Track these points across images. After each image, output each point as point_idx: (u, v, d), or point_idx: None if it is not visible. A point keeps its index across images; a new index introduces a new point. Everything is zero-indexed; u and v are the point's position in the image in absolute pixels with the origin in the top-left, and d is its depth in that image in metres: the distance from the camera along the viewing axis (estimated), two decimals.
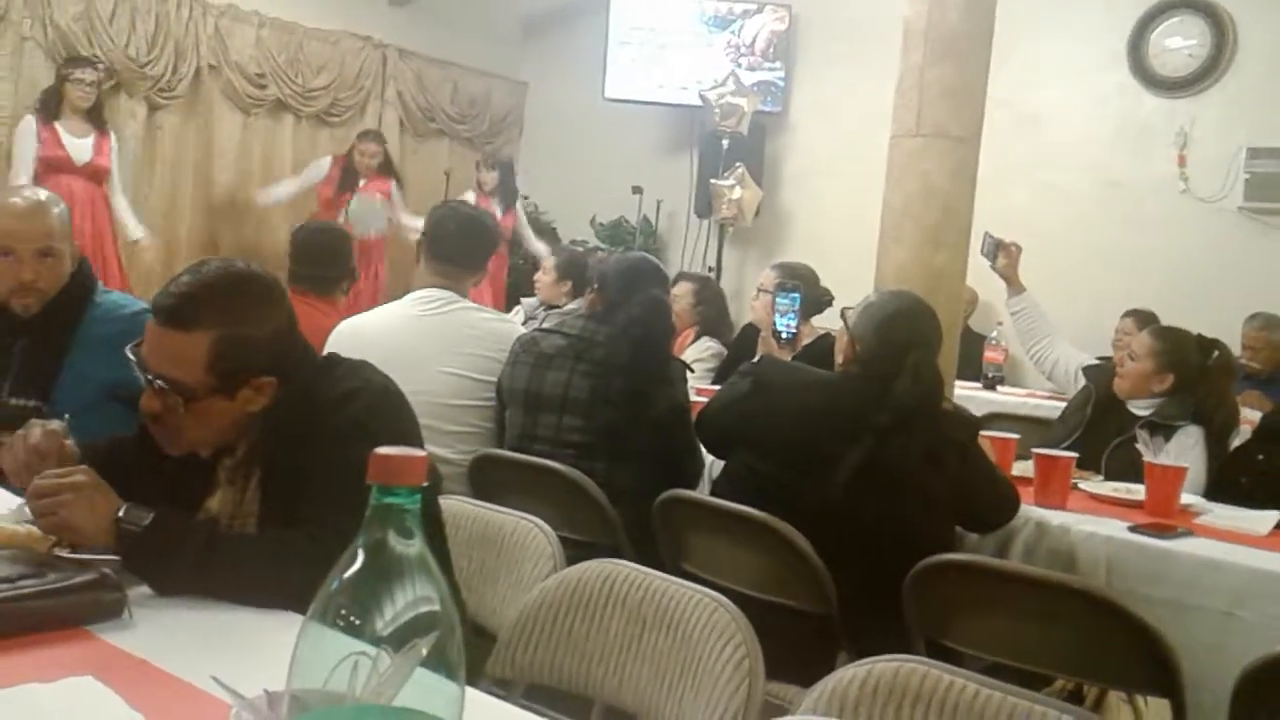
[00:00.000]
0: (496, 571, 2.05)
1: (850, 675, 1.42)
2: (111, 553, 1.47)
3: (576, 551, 2.02)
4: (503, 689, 1.69)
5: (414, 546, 0.72)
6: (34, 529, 1.52)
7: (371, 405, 1.65)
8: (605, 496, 2.67)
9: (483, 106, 8.64)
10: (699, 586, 1.65)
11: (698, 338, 4.79)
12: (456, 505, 2.16)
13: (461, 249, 3.07)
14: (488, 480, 2.81)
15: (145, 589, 1.47)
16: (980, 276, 4.52)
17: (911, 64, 3.52)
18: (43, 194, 2.42)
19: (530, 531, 2.03)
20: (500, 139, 8.72)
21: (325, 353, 1.84)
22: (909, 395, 2.36)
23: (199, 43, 6.94)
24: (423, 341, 2.93)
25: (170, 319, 1.59)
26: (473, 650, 1.81)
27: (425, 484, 0.73)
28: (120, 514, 1.48)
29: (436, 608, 0.77)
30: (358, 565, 0.72)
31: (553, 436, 2.83)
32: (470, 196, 7.03)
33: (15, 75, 6.18)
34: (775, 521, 2.30)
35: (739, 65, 7.68)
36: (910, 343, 2.45)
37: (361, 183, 6.79)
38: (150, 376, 1.59)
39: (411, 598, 0.74)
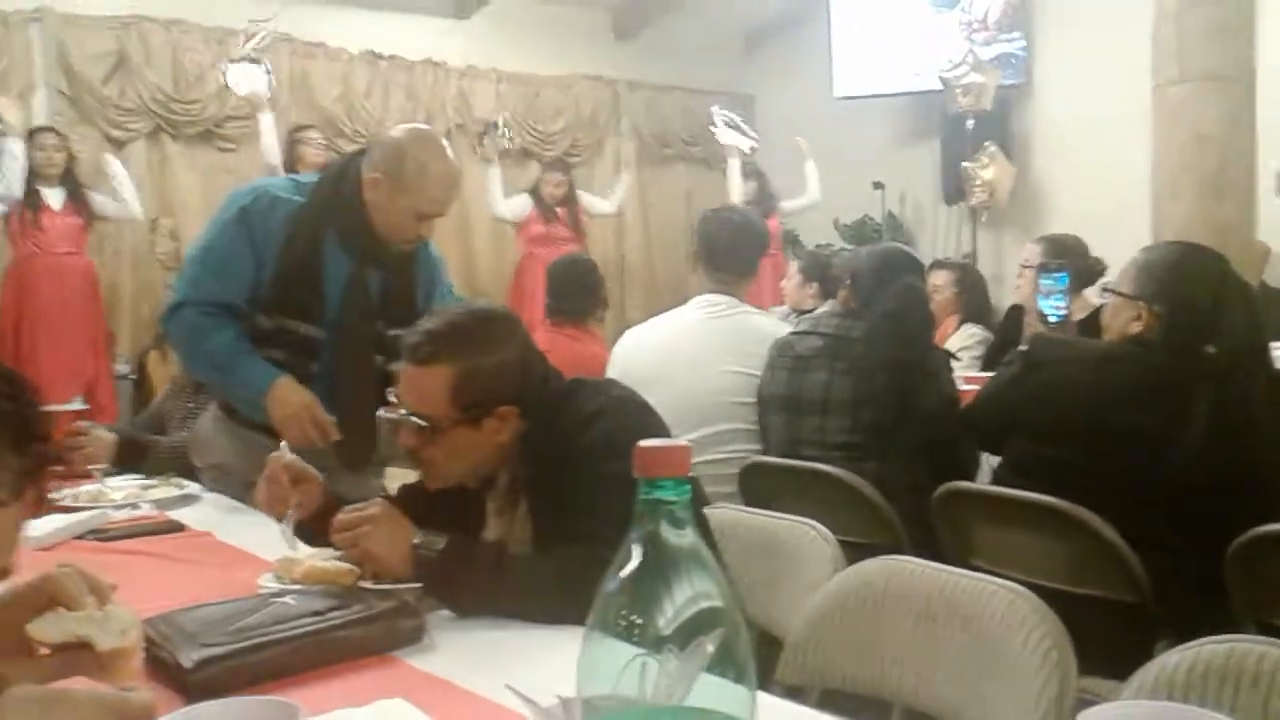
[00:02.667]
0: (777, 577, 2.02)
1: (1175, 661, 1.29)
2: (410, 581, 1.55)
3: (856, 555, 1.95)
4: (795, 696, 1.65)
5: (686, 537, 0.71)
6: (340, 564, 1.62)
7: (619, 420, 1.69)
8: (880, 496, 2.58)
9: None
10: (991, 578, 1.55)
11: (960, 325, 4.59)
12: (730, 514, 2.15)
13: (735, 256, 3.14)
14: (757, 489, 2.79)
15: (443, 614, 1.53)
16: (1273, 228, 4.10)
17: (1167, 8, 3.26)
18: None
19: (807, 535, 1.98)
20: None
21: (610, 366, 1.90)
22: (1241, 325, 2.15)
23: (445, 105, 7.37)
24: (708, 343, 3.01)
25: (414, 356, 1.68)
26: (762, 657, 1.79)
27: (691, 476, 0.71)
28: (416, 541, 1.56)
29: (719, 604, 0.75)
30: (634, 563, 0.71)
31: (819, 439, 2.77)
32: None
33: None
34: (1074, 508, 2.15)
35: (973, 41, 7.37)
36: (1212, 279, 2.23)
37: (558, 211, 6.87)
38: (404, 413, 1.69)
39: (691, 593, 0.73)
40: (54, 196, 5.41)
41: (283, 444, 1.90)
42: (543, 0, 7.52)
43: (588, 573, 1.07)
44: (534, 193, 6.83)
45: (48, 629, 0.95)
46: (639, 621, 0.73)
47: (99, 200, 5.61)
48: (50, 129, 5.58)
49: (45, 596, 0.94)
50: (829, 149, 8.02)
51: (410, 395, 1.69)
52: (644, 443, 0.71)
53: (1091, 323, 3.38)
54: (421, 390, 1.68)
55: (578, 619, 1.33)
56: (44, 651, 0.94)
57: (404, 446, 1.73)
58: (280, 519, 1.82)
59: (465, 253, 7.51)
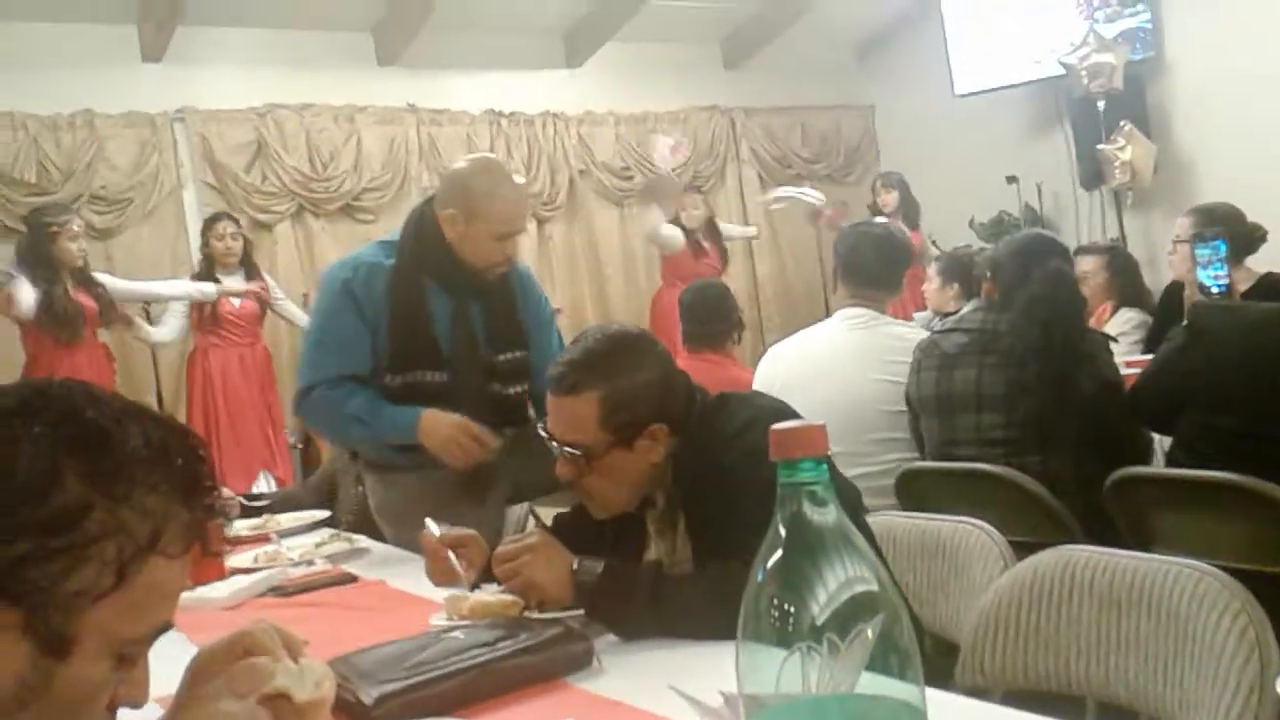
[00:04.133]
0: (945, 580, 1.96)
1: None
2: (572, 607, 1.57)
3: (1024, 554, 1.88)
4: (978, 698, 1.59)
5: (830, 514, 0.69)
6: (504, 597, 1.65)
7: (770, 429, 1.67)
8: (1046, 490, 2.49)
9: (833, 141, 8.64)
10: (1174, 559, 1.47)
11: (1116, 310, 4.40)
12: (889, 520, 2.10)
13: (879, 272, 3.09)
14: (915, 494, 2.72)
15: (610, 637, 1.54)
16: None
17: None
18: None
19: (971, 534, 1.93)
20: (858, 167, 8.66)
21: (755, 383, 1.90)
22: None
23: (567, 154, 7.52)
24: (852, 354, 2.98)
25: (558, 386, 1.71)
26: (937, 663, 1.74)
27: (828, 454, 0.70)
28: (575, 567, 1.58)
29: (874, 588, 0.73)
30: (780, 549, 0.70)
31: (974, 438, 2.69)
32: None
33: None
34: (1253, 482, 2.03)
35: (1095, 20, 7.12)
36: None
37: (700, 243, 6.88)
38: (557, 445, 1.71)
39: (844, 578, 0.71)
40: (233, 283, 5.59)
41: (427, 521, 1.94)
42: (650, 40, 7.61)
43: (745, 586, 1.07)
44: (674, 224, 6.91)
45: (250, 683, 0.98)
46: (791, 610, 0.72)
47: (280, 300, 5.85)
48: (226, 215, 5.79)
49: (243, 650, 0.98)
50: (955, 148, 7.85)
51: (560, 426, 1.72)
52: (778, 425, 0.70)
53: (1261, 290, 3.20)
54: (571, 420, 1.70)
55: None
56: None
57: (563, 478, 1.75)
58: (443, 586, 1.87)
59: (598, 289, 7.62)
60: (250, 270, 5.69)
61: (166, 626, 0.92)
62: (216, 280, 5.55)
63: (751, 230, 7.68)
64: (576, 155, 7.56)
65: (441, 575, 1.87)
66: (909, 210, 7.04)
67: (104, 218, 6.00)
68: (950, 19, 7.67)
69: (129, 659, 0.89)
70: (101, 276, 5.25)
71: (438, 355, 2.53)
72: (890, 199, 7.06)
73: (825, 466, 0.71)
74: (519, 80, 7.40)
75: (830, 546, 0.70)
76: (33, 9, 5.70)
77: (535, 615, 1.60)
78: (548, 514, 2.42)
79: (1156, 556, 1.49)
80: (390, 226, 6.75)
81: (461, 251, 2.50)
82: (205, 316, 5.56)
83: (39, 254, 4.91)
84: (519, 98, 7.39)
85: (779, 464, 0.70)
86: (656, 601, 1.52)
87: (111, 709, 0.90)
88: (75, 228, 5.04)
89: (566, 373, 1.71)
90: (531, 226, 7.33)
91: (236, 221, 5.74)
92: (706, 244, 6.82)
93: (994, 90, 7.55)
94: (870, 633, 0.71)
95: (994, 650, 1.62)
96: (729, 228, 7.24)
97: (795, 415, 1.75)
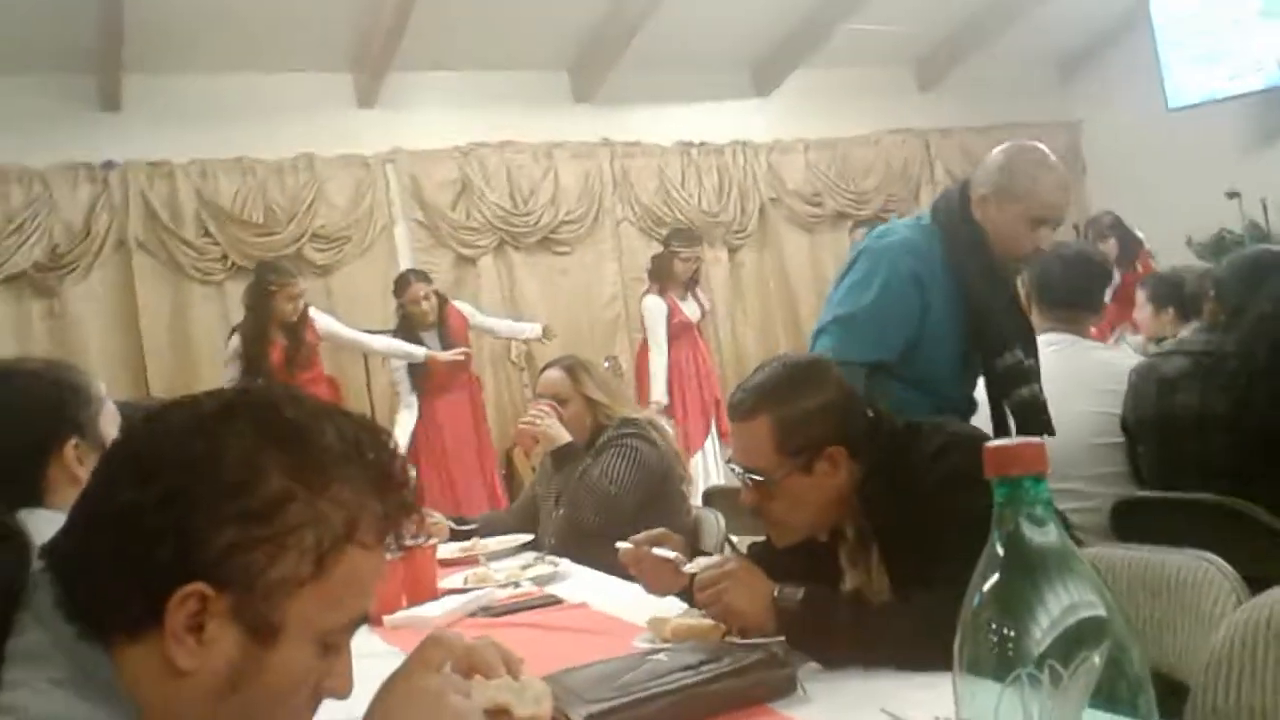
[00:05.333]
0: (1171, 616, 1.85)
1: None
2: (775, 634, 1.57)
3: (1257, 590, 1.76)
4: None
5: (1051, 534, 0.67)
6: (706, 621, 1.66)
7: (967, 452, 1.63)
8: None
9: None
10: None
11: None
12: (1107, 553, 2.00)
13: (1075, 293, 2.95)
14: (1132, 525, 2.58)
15: (812, 664, 1.53)
16: None
17: None
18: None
19: (1199, 568, 1.81)
20: None
21: None
22: None
23: (757, 181, 7.54)
24: (1057, 383, 2.81)
25: (735, 412, 1.75)
26: (1165, 706, 1.64)
27: (1047, 471, 0.68)
28: (775, 594, 1.58)
29: (1101, 613, 0.70)
30: (997, 572, 0.69)
31: (1198, 465, 2.53)
32: None
33: (618, 254, 7.15)
34: None
35: None
36: None
37: None
38: (740, 472, 1.74)
39: (1067, 602, 0.69)
40: (431, 339, 5.68)
41: (619, 545, 1.98)
42: (839, 65, 7.56)
43: (952, 615, 1.04)
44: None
45: (473, 695, 1.03)
46: (1011, 635, 0.70)
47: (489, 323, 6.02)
48: (415, 273, 5.86)
49: (466, 665, 1.02)
50: (1168, 165, 7.44)
51: (740, 453, 1.76)
52: (995, 442, 0.69)
53: None
54: (749, 445, 1.73)
55: (948, 664, 1.30)
56: None
57: (745, 505, 1.78)
58: (665, 594, 1.90)
59: (790, 315, 7.58)
60: (444, 329, 5.72)
61: (365, 618, 0.97)
62: (419, 339, 5.64)
63: None
64: (767, 183, 7.58)
65: (657, 583, 1.90)
66: (1127, 247, 6.43)
67: (324, 254, 6.39)
68: (1162, 32, 7.30)
69: (332, 648, 0.94)
70: (323, 319, 5.47)
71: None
72: (1109, 247, 6.43)
73: (1045, 485, 0.69)
74: (708, 111, 7.48)
75: (1052, 568, 0.68)
76: (260, 61, 6.13)
77: (737, 640, 1.60)
78: (743, 542, 2.43)
79: None
80: (585, 259, 7.06)
81: (990, 234, 2.44)
82: (417, 376, 5.66)
83: (255, 305, 5.24)
84: (708, 128, 7.47)
85: (996, 482, 0.69)
86: (860, 629, 1.50)
87: (316, 699, 0.95)
88: (294, 290, 5.24)
89: (743, 399, 1.75)
90: (723, 254, 7.38)
91: (427, 278, 5.82)
92: None
93: (1211, 103, 7.13)
94: (1097, 660, 0.69)
95: (1228, 691, 1.52)
96: None
97: (989, 439, 1.70)
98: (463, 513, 3.90)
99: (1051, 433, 2.47)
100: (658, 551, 1.86)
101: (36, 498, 1.53)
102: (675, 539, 1.91)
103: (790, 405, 1.71)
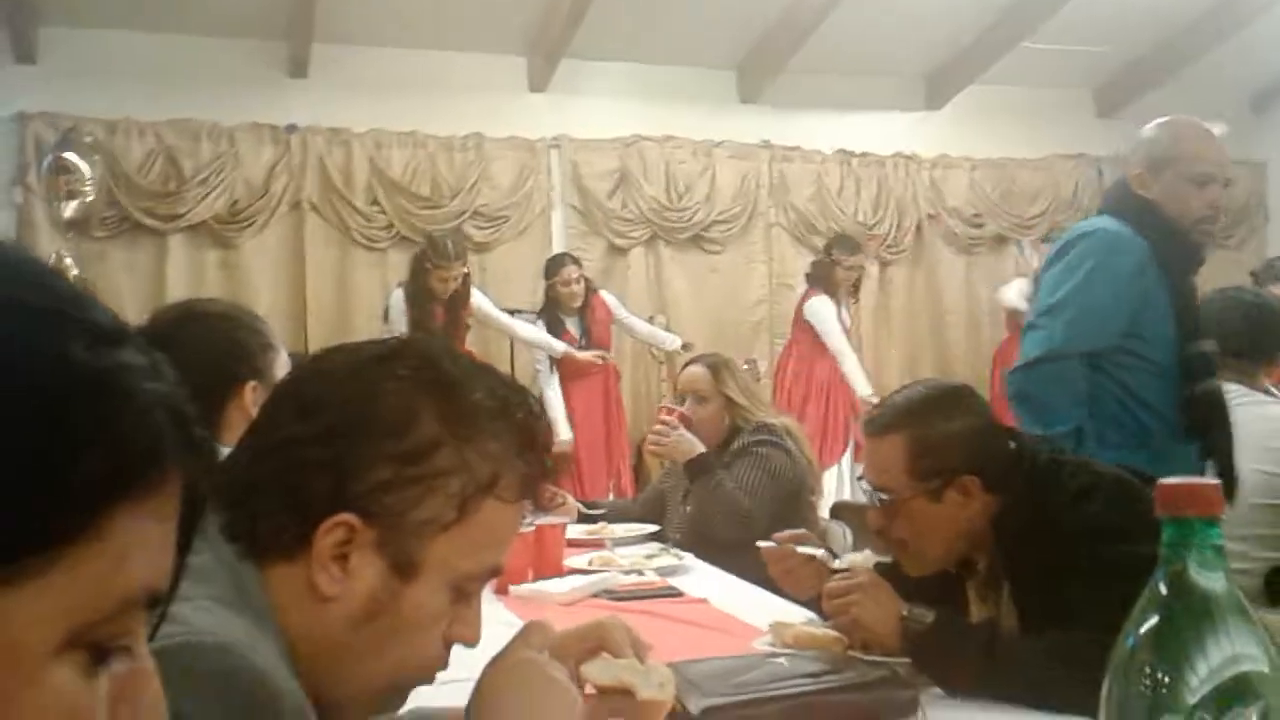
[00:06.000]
0: None
1: None
2: (899, 654, 1.55)
3: None
4: None
5: (1219, 581, 0.65)
6: (829, 632, 1.66)
7: (1112, 498, 1.60)
8: None
9: None
10: None
11: None
12: (1263, 616, 1.91)
13: (1250, 342, 2.82)
14: None
15: (935, 690, 1.51)
16: None
17: None
18: None
19: None
20: (1241, 229, 7.91)
21: None
22: None
23: (916, 197, 7.40)
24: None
25: (870, 429, 1.75)
26: None
27: (1221, 514, 0.66)
28: (905, 613, 1.56)
29: (1264, 669, 0.68)
30: (1158, 613, 0.67)
31: None
32: None
33: (768, 258, 7.12)
34: None
35: None
36: None
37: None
38: (868, 490, 1.73)
39: (1230, 652, 0.66)
40: (573, 324, 5.81)
41: (760, 544, 1.98)
42: (1016, 84, 7.35)
43: (1090, 661, 1.01)
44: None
45: (599, 672, 1.05)
46: (1166, 681, 0.68)
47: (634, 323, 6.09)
48: (568, 256, 6.00)
49: (594, 642, 1.05)
50: None
51: (871, 469, 1.75)
52: (1168, 480, 0.67)
53: None
54: (880, 462, 1.71)
55: (1075, 708, 1.27)
56: (589, 690, 1.05)
57: (871, 526, 1.76)
58: (805, 595, 1.90)
59: (938, 338, 7.42)
60: (586, 316, 5.81)
61: (498, 570, 1.00)
62: (561, 322, 5.77)
63: None
64: (927, 199, 7.43)
65: (798, 583, 1.90)
66: None
67: (482, 232, 6.56)
68: None
69: (464, 595, 0.97)
70: (478, 299, 5.64)
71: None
72: None
73: (1218, 529, 0.67)
74: (873, 121, 7.38)
75: (1217, 616, 0.66)
76: (440, 39, 6.33)
77: (860, 656, 1.59)
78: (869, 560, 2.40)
79: None
80: (735, 259, 7.05)
81: (1164, 209, 2.44)
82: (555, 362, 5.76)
83: (415, 279, 5.43)
84: (872, 138, 7.37)
85: (1165, 520, 0.67)
86: (990, 659, 1.47)
87: (447, 644, 0.98)
88: (447, 273, 5.35)
89: (881, 415, 1.75)
90: (873, 269, 7.27)
91: (579, 263, 5.91)
92: None
93: None
94: (1254, 718, 0.67)
95: None
96: None
97: (1137, 483, 1.64)
98: (588, 499, 3.95)
99: (1227, 433, 2.43)
100: (803, 549, 1.87)
101: (214, 435, 1.62)
102: (815, 539, 1.92)
103: (928, 426, 1.68)
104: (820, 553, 1.85)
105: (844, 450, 6.03)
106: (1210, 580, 0.65)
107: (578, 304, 5.78)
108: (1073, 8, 6.47)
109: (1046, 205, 7.62)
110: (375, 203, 6.39)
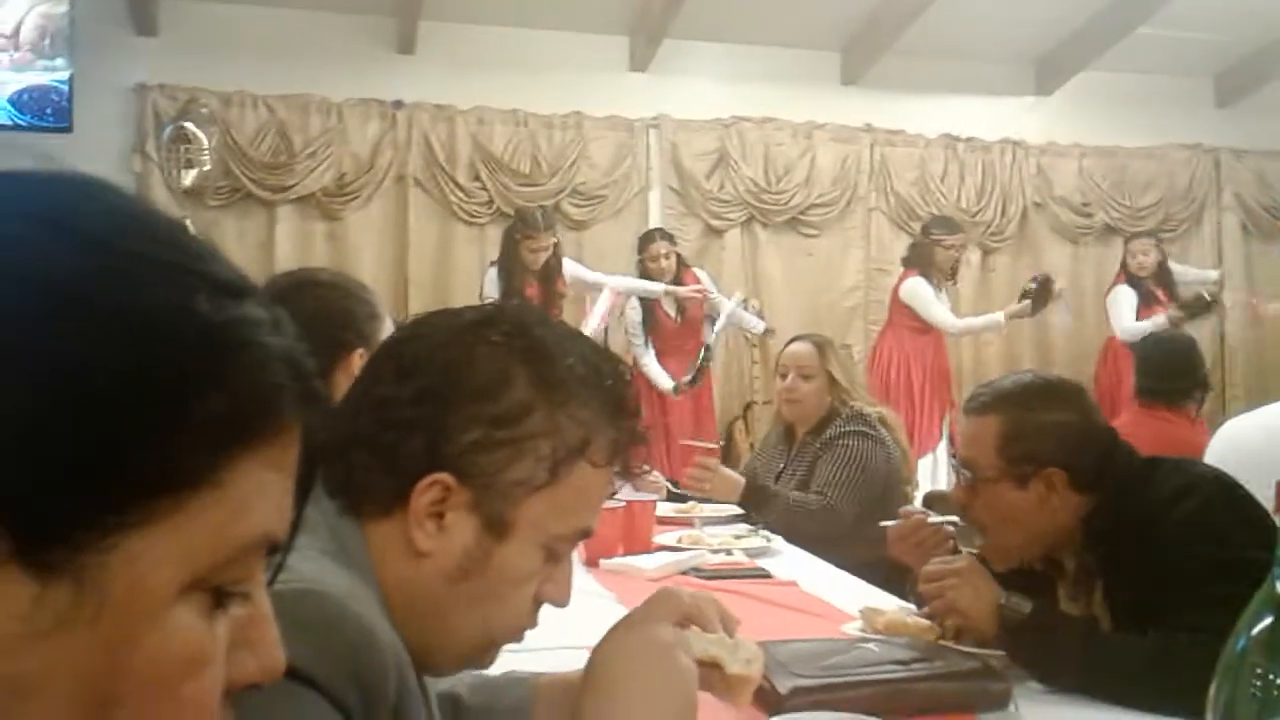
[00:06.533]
0: None
1: None
2: (994, 644, 1.54)
3: None
4: None
5: None
6: (920, 621, 1.65)
7: (1209, 498, 1.58)
8: None
9: None
10: None
11: None
12: None
13: None
14: None
15: (1029, 684, 1.49)
16: None
17: None
18: None
19: None
20: None
21: (1207, 455, 1.81)
22: None
23: (1023, 183, 7.23)
24: None
25: (969, 407, 1.77)
26: None
27: None
28: (1002, 601, 1.55)
29: None
30: (1271, 615, 0.66)
31: None
32: None
33: (866, 243, 7.03)
34: None
35: None
36: None
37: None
38: (955, 464, 1.76)
39: None
40: (667, 301, 5.81)
41: (882, 524, 1.99)
42: (1131, 70, 7.11)
43: (1190, 662, 0.99)
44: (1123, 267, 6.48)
45: (688, 645, 1.07)
46: (1277, 683, 0.67)
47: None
48: (661, 232, 6.03)
49: (684, 615, 1.06)
50: None
51: (963, 445, 1.79)
52: None
53: None
54: (973, 438, 1.73)
55: (1173, 709, 1.25)
56: None
57: (953, 503, 1.81)
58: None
59: (1041, 327, 7.23)
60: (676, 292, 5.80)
61: (588, 531, 1.02)
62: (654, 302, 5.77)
63: (1212, 274, 6.89)
64: (1033, 186, 7.25)
65: (928, 558, 1.90)
66: None
67: (580, 210, 6.60)
68: None
69: (555, 556, 1.00)
70: (568, 264, 5.67)
71: None
72: None
73: None
74: (980, 106, 7.22)
75: None
76: (544, 18, 6.37)
77: (951, 645, 1.58)
78: None
79: None
80: (832, 244, 6.97)
81: None
82: (650, 329, 5.79)
83: (506, 252, 5.51)
84: (977, 123, 7.21)
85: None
86: (1086, 656, 1.45)
87: (536, 603, 1.01)
88: (536, 244, 5.37)
89: (982, 394, 1.77)
90: (975, 256, 7.13)
91: (671, 239, 5.91)
92: (1158, 290, 6.29)
93: None
94: None
95: None
96: (1185, 271, 6.62)
97: (1236, 484, 1.62)
98: (673, 476, 3.96)
99: None
100: (934, 519, 1.89)
101: None
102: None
103: (1025, 412, 1.69)
104: (955, 521, 1.86)
105: (939, 439, 5.93)
106: None
107: (668, 280, 5.78)
108: None
109: (1160, 196, 7.38)
110: (477, 179, 6.48)
